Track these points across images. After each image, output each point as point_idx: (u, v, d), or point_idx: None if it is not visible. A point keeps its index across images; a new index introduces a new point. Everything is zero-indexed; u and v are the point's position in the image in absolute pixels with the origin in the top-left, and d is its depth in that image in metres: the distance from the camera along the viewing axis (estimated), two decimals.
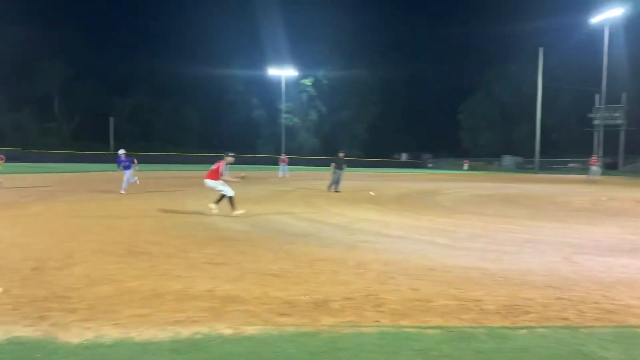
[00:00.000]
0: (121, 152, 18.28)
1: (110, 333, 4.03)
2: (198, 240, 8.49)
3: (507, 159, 73.65)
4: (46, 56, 73.90)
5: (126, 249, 7.56)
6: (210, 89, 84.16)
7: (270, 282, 5.75)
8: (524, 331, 4.21)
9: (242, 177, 12.76)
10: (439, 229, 10.38)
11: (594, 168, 36.41)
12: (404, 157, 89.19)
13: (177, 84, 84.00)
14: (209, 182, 12.03)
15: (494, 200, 18.41)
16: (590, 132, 60.12)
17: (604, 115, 58.31)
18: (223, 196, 12.04)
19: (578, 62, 65.31)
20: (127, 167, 17.75)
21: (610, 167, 55.46)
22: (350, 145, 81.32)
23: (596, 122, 58.89)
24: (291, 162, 34.63)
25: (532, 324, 4.43)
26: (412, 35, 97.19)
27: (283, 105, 79.24)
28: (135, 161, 18.12)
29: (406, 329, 4.22)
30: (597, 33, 58.15)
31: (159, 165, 55.36)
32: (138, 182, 18.66)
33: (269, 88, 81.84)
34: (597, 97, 58.74)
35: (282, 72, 75.48)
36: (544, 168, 63.37)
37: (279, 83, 77.84)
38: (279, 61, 75.22)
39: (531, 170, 63.76)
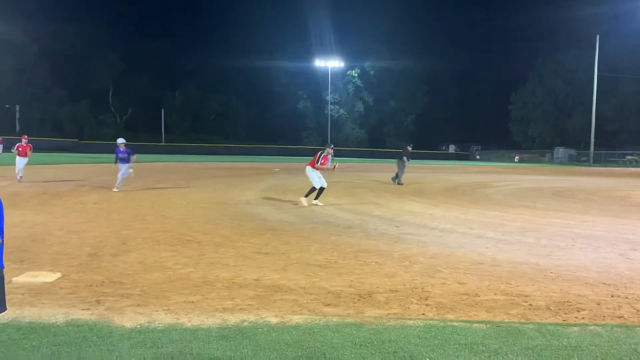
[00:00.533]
0: (120, 141, 15.68)
1: (162, 318, 4.18)
2: (245, 230, 8.65)
3: (560, 151, 71.18)
4: (102, 52, 77.00)
5: (177, 238, 7.79)
6: (258, 81, 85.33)
7: (315, 273, 5.80)
8: (575, 328, 4.07)
9: (334, 167, 13.21)
10: (488, 223, 10.16)
11: None
12: (452, 149, 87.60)
13: (226, 77, 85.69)
14: (307, 170, 12.90)
15: (545, 194, 17.84)
16: None
17: None
18: (314, 189, 12.75)
19: (635, 50, 62.04)
20: (123, 160, 15.36)
21: None
22: (397, 137, 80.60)
23: None
24: (337, 154, 34.60)
25: (584, 321, 4.28)
26: (461, 25, 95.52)
27: (329, 97, 79.26)
28: (134, 156, 15.91)
29: (452, 323, 4.17)
30: None
31: (207, 156, 56.57)
32: (133, 173, 16.33)
33: (315, 79, 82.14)
34: None
35: (329, 64, 75.43)
36: (599, 161, 60.90)
37: (325, 74, 77.89)
38: (326, 52, 75.29)
39: (585, 163, 61.39)
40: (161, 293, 4.91)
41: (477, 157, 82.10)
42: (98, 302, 4.59)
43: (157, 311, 4.36)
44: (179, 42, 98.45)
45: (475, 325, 4.13)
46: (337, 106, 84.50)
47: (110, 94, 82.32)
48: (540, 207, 13.44)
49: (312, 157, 12.96)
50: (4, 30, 57.69)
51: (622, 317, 4.43)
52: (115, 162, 15.55)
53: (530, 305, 4.71)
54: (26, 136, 19.06)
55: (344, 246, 7.42)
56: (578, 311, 4.56)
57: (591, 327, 4.10)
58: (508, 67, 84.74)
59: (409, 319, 4.26)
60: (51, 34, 64.38)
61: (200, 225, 9.14)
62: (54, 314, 4.22)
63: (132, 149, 15.88)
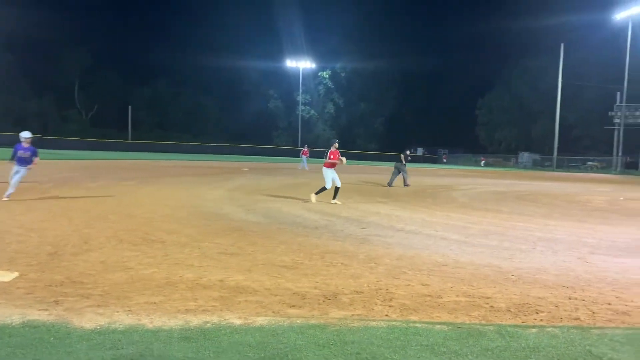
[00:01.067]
0: (25, 135, 11.66)
1: (123, 319, 4.10)
2: (212, 230, 8.56)
3: (525, 156, 72.87)
4: (69, 45, 75.00)
5: (141, 237, 7.66)
6: (228, 79, 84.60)
7: (281, 274, 5.79)
8: (534, 330, 4.18)
9: (343, 161, 13.89)
10: (453, 225, 10.32)
11: None
12: (419, 151, 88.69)
13: (196, 74, 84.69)
14: (322, 170, 13.98)
15: (510, 198, 18.25)
16: (611, 130, 59.16)
17: (625, 114, 57.30)
18: (324, 189, 13.56)
19: (600, 59, 64.04)
20: (23, 161, 11.52)
21: (630, 167, 54.59)
22: (367, 139, 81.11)
23: (617, 120, 57.94)
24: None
25: (542, 323, 4.40)
26: (431, 30, 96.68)
27: (300, 97, 79.22)
28: (37, 158, 11.75)
29: (415, 324, 4.22)
30: (620, 30, 57.05)
31: (175, 154, 55.79)
32: (26, 172, 11.80)
33: (287, 80, 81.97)
34: (618, 95, 57.72)
35: (300, 64, 75.45)
36: (562, 166, 62.61)
37: (296, 75, 77.84)
38: (297, 53, 75.21)
39: (549, 167, 63.04)
40: (123, 293, 4.82)
41: (444, 160, 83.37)
42: (57, 302, 4.47)
43: (118, 312, 4.27)
44: (149, 38, 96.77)
45: (437, 326, 4.20)
46: (308, 107, 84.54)
47: (76, 88, 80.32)
48: (504, 210, 13.73)
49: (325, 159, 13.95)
50: None
51: (579, 318, 4.57)
52: (12, 159, 11.64)
53: (491, 307, 4.81)
54: None
55: (310, 247, 7.43)
56: (537, 313, 4.68)
57: (549, 329, 4.22)
58: (476, 73, 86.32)
59: (373, 320, 4.30)
60: (15, 23, 62.12)
61: (165, 224, 9.00)
62: (10, 314, 4.10)
63: (35, 148, 11.83)
